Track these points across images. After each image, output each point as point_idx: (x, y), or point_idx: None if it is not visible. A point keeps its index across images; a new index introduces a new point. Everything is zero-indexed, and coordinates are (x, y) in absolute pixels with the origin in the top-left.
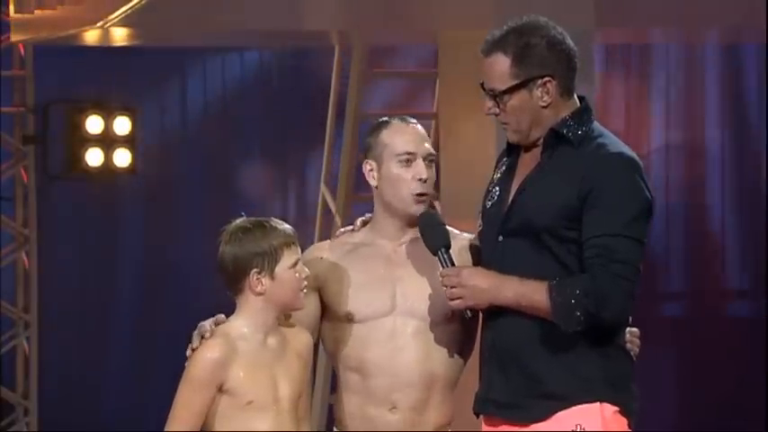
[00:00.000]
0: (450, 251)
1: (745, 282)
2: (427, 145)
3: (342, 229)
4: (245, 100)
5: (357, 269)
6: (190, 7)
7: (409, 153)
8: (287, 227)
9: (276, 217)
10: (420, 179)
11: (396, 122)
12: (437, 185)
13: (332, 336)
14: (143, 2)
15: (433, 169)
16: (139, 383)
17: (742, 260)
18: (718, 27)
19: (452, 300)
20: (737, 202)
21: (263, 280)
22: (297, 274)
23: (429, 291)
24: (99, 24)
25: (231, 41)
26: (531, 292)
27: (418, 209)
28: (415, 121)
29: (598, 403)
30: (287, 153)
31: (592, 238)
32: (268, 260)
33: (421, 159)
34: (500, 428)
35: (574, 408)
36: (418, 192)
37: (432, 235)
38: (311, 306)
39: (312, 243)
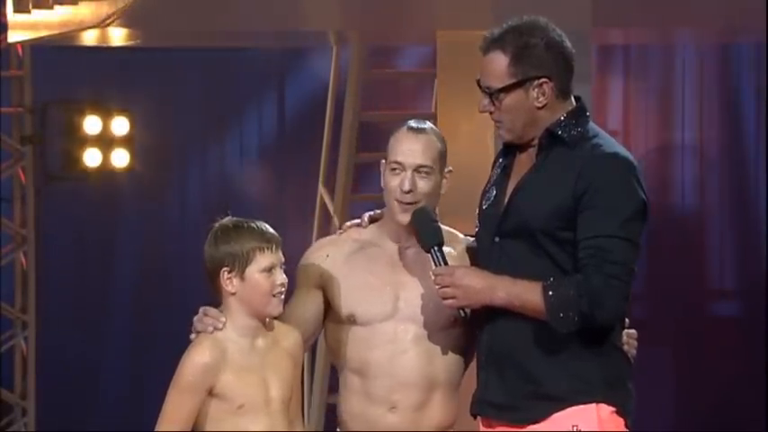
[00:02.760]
0: (450, 251)
1: (746, 282)
2: (420, 158)
3: (348, 223)
4: (243, 99)
5: (362, 270)
6: (188, 7)
7: (397, 163)
8: (267, 230)
9: (274, 217)
10: (403, 190)
11: (403, 130)
12: None
13: (334, 336)
14: (141, 2)
15: (429, 180)
16: (137, 383)
17: (742, 260)
18: (715, 27)
19: (445, 299)
20: (735, 202)
21: (234, 280)
22: (270, 279)
23: (431, 297)
24: (97, 24)
25: (230, 41)
26: (524, 293)
27: (403, 217)
28: (426, 128)
29: (594, 404)
30: (285, 153)
31: (586, 239)
32: (239, 261)
33: (410, 171)
34: (497, 430)
35: (570, 408)
36: (400, 200)
37: (424, 232)
38: (315, 304)
39: (310, 244)
